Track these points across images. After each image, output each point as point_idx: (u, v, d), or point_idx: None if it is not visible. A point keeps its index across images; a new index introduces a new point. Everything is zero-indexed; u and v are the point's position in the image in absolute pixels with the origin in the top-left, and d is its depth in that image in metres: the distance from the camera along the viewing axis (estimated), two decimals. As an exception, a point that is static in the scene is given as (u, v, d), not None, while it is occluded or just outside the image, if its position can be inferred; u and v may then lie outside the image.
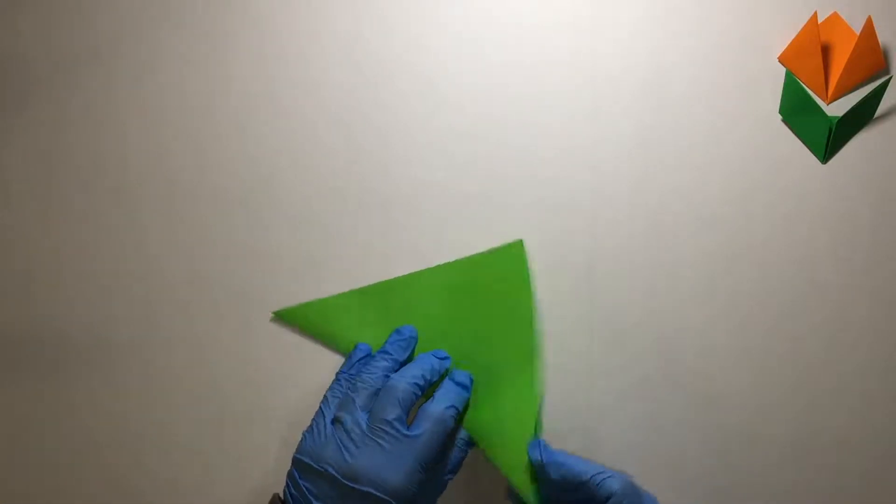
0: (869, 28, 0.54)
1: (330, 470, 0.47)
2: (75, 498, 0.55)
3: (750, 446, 0.55)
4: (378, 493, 0.46)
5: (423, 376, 0.50)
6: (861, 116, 0.55)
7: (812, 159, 0.55)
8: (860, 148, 0.55)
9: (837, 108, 0.55)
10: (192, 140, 0.54)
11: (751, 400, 0.55)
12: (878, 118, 0.55)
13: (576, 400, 0.54)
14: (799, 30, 0.55)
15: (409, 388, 0.49)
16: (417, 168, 0.54)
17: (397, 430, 0.48)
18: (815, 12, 0.54)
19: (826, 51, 0.55)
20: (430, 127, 0.55)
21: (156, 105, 0.54)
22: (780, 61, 0.55)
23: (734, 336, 0.55)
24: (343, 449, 0.47)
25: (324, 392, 0.51)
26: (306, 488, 0.47)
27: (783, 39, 0.55)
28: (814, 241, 0.55)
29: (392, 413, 0.48)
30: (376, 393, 0.49)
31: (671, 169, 0.55)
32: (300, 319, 0.54)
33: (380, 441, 0.47)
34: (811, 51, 0.54)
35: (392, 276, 0.54)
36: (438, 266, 0.54)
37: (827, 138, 0.55)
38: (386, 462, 0.47)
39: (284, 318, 0.54)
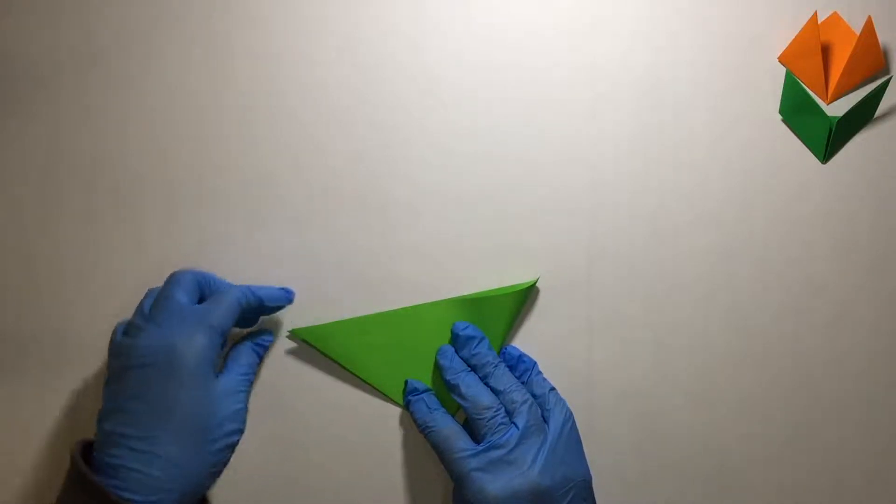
0: (869, 28, 0.54)
1: (122, 357, 0.46)
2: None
3: (749, 446, 0.55)
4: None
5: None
6: (861, 116, 0.55)
7: (812, 159, 0.55)
8: (860, 148, 0.55)
9: (837, 108, 0.55)
10: (192, 140, 0.54)
11: (751, 400, 0.55)
12: (878, 118, 0.55)
13: (576, 399, 0.54)
14: (799, 30, 0.55)
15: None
16: (417, 168, 0.55)
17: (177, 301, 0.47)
18: (815, 12, 0.54)
19: (826, 51, 0.55)
20: (431, 127, 0.55)
21: (156, 105, 0.54)
22: (780, 61, 0.55)
23: (734, 336, 0.55)
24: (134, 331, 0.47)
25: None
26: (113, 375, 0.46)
27: (783, 39, 0.55)
28: (814, 240, 0.55)
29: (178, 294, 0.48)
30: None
31: (671, 169, 0.55)
32: (314, 338, 0.53)
33: (162, 313, 0.47)
34: (811, 51, 0.54)
35: (391, 277, 0.54)
36: (458, 297, 0.54)
37: (827, 138, 0.55)
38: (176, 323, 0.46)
39: (298, 335, 0.54)
